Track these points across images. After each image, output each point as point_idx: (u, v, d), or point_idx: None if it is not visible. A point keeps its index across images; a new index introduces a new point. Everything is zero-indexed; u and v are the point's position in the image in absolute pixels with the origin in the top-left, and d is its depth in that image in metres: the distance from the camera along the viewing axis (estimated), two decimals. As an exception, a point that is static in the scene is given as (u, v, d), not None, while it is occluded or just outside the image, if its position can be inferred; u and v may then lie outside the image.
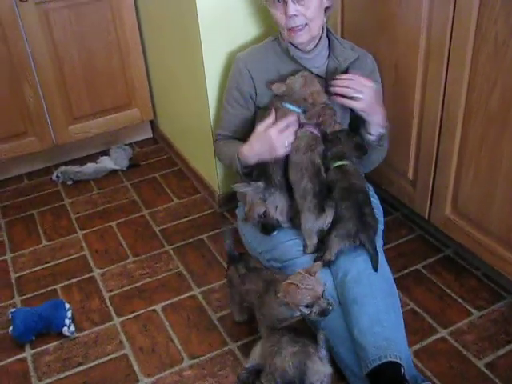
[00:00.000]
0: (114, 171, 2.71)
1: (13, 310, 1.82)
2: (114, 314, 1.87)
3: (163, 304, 1.89)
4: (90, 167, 2.68)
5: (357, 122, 1.75)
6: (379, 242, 1.69)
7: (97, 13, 2.52)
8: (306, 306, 1.41)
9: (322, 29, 1.74)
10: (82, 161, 2.77)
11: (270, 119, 1.67)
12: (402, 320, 1.53)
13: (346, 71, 1.76)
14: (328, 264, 1.59)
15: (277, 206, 1.71)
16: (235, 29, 2.01)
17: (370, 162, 1.84)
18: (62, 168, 2.67)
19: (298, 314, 1.44)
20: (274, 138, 1.64)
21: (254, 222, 1.75)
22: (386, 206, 2.07)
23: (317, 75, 1.75)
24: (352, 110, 1.73)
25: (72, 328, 1.78)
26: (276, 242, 1.74)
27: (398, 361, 1.39)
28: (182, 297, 1.92)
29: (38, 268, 2.11)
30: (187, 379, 1.62)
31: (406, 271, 1.95)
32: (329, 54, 1.79)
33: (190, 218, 2.34)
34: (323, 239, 1.63)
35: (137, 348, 1.74)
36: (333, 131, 1.68)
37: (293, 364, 1.36)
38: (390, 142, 1.83)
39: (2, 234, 2.33)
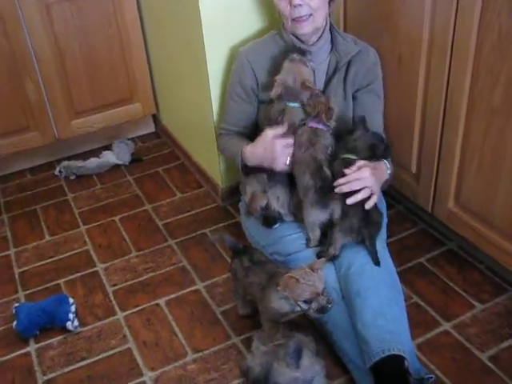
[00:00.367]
0: (117, 166, 2.71)
1: (17, 304, 1.83)
2: (117, 308, 1.88)
3: (167, 298, 1.90)
4: (92, 162, 2.68)
5: None
6: (383, 234, 1.69)
7: (98, 6, 2.51)
8: (305, 302, 1.42)
9: (326, 21, 1.74)
10: (84, 155, 2.77)
11: (281, 129, 1.65)
12: (406, 313, 1.53)
13: (348, 65, 1.77)
14: (332, 259, 1.60)
15: (278, 197, 1.71)
16: (238, 23, 2.00)
17: None
18: (65, 163, 2.67)
19: (298, 309, 1.45)
20: (279, 150, 1.64)
21: (257, 214, 1.75)
22: (388, 199, 2.07)
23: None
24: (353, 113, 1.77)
25: (76, 322, 1.79)
26: (279, 236, 1.74)
27: (402, 354, 1.39)
28: (186, 291, 1.92)
29: (42, 263, 2.11)
30: (191, 373, 1.63)
31: (409, 264, 1.94)
32: (331, 49, 1.79)
33: (193, 212, 2.34)
34: (326, 233, 1.63)
35: (140, 342, 1.74)
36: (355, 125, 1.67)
37: (260, 363, 1.40)
38: (393, 136, 1.82)
39: (5, 229, 2.33)
